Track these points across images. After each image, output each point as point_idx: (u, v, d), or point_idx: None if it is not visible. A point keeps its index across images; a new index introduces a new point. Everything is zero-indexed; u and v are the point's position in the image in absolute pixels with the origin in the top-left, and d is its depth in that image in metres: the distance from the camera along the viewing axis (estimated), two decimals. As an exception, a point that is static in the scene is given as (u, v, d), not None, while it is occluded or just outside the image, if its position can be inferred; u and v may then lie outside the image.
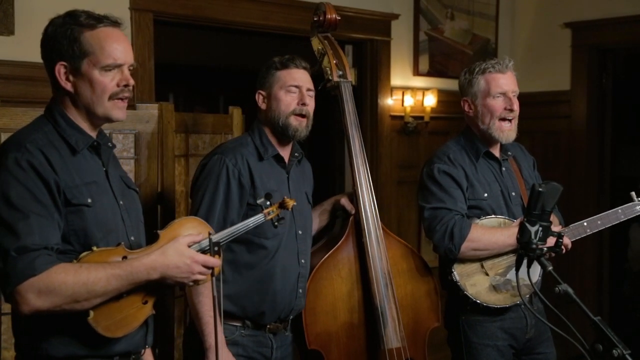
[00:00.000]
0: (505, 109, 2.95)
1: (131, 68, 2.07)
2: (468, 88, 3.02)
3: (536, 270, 2.86)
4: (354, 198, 2.92)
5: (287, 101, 2.69)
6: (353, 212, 2.91)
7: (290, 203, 2.27)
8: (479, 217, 2.92)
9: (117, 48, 2.01)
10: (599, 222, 3.02)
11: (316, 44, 3.06)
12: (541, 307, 2.95)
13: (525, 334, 2.98)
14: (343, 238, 2.88)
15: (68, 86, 2.01)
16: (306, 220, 2.82)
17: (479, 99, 2.98)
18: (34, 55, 3.41)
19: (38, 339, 1.96)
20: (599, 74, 5.60)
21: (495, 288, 2.88)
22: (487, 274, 2.89)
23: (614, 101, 5.73)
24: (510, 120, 2.96)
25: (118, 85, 2.02)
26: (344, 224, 2.95)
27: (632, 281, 5.64)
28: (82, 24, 1.99)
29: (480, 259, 2.89)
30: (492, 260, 2.90)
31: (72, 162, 2.00)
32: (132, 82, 2.05)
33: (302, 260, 2.74)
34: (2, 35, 3.41)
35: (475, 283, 2.88)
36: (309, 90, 2.73)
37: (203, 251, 2.03)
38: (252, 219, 2.21)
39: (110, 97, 2.01)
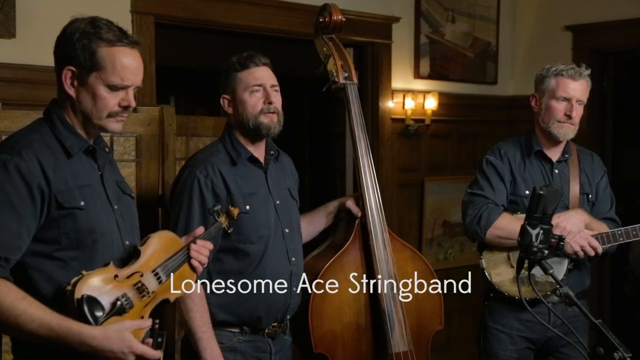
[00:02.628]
0: (565, 114, 3.02)
1: (136, 90, 2.08)
2: (539, 84, 3.11)
3: (561, 270, 2.91)
4: (360, 201, 2.90)
5: (253, 102, 2.63)
6: (359, 214, 2.89)
7: (235, 212, 2.34)
8: (516, 212, 3.00)
9: (129, 69, 2.02)
10: (633, 233, 3.00)
11: (321, 46, 3.01)
12: (576, 311, 2.94)
13: (547, 331, 2.97)
14: (349, 241, 2.86)
15: (71, 91, 2.02)
16: (292, 217, 2.77)
17: (545, 97, 3.07)
18: (35, 58, 3.44)
19: (33, 345, 1.95)
20: (600, 77, 5.59)
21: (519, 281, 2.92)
22: (512, 267, 2.95)
23: (615, 104, 5.73)
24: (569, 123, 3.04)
25: (119, 105, 2.03)
26: (349, 227, 2.93)
27: (633, 284, 5.63)
28: (101, 37, 2.00)
29: (508, 249, 2.98)
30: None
31: (67, 164, 2.00)
32: (133, 104, 2.06)
33: (293, 259, 2.70)
34: (4, 38, 3.42)
35: (500, 272, 2.99)
36: (272, 86, 2.67)
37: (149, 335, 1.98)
38: (212, 227, 2.28)
39: (109, 115, 2.03)
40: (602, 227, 3.05)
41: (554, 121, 3.02)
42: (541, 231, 1.99)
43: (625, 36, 5.30)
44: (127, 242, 2.09)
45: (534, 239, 1.99)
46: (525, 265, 2.07)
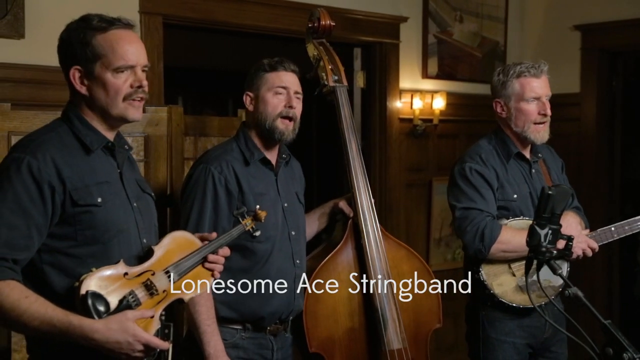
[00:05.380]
0: (539, 113, 2.99)
1: (145, 69, 2.08)
2: (501, 90, 3.04)
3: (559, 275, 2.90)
4: (352, 202, 2.93)
5: (275, 103, 2.69)
6: (351, 215, 2.93)
7: (263, 214, 2.32)
8: (507, 218, 2.95)
9: (129, 49, 2.03)
10: (626, 228, 3.04)
11: (311, 50, 3.08)
12: (561, 308, 2.96)
13: (544, 333, 2.99)
14: (342, 241, 2.90)
15: (83, 90, 2.03)
16: (298, 220, 2.82)
17: (512, 101, 3.01)
18: (44, 58, 3.45)
19: (45, 343, 1.96)
20: (609, 77, 5.57)
21: (521, 289, 2.91)
22: (514, 275, 2.93)
23: (624, 104, 5.71)
24: (543, 122, 3.00)
25: (132, 87, 2.03)
26: (342, 228, 2.97)
27: (642, 284, 5.62)
28: (94, 28, 2.02)
29: (508, 260, 2.92)
30: (520, 261, 2.92)
31: (85, 161, 2.01)
32: (145, 83, 2.07)
33: (297, 261, 2.75)
34: (13, 38, 3.43)
35: (502, 283, 2.92)
36: (296, 93, 2.73)
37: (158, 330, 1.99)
38: (234, 230, 2.27)
39: (124, 99, 2.03)
40: (582, 222, 3.08)
41: (530, 124, 2.98)
42: (550, 231, 1.99)
43: (634, 36, 5.28)
44: (144, 240, 2.10)
45: (542, 239, 1.98)
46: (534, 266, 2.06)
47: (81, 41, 2.01)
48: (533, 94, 2.98)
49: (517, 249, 2.87)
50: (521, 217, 2.96)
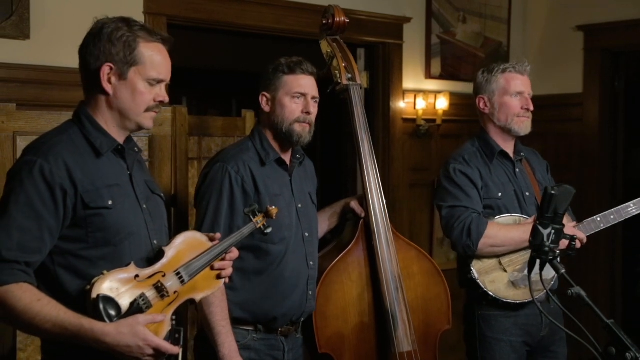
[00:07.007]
0: (522, 108, 3.03)
1: (166, 86, 2.12)
2: (486, 85, 3.08)
3: (552, 269, 2.90)
4: (363, 201, 2.92)
5: (292, 108, 2.67)
6: (363, 215, 2.91)
7: (274, 211, 2.31)
8: (493, 217, 2.96)
9: (165, 65, 2.09)
10: (611, 217, 3.06)
11: (325, 47, 3.05)
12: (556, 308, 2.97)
13: (540, 331, 3.00)
14: (353, 241, 2.88)
15: (108, 87, 2.05)
16: (312, 221, 2.81)
17: (496, 96, 3.05)
18: (50, 59, 3.47)
19: (59, 343, 1.97)
20: (612, 77, 5.57)
21: (513, 284, 2.92)
22: (505, 270, 2.93)
23: (627, 104, 5.72)
24: (526, 116, 3.05)
25: (154, 101, 2.08)
26: (353, 227, 2.95)
27: (645, 284, 5.62)
28: (139, 35, 2.05)
29: (497, 256, 2.93)
30: (510, 256, 2.93)
31: (95, 164, 2.03)
32: (167, 100, 2.13)
33: (311, 263, 2.74)
34: (18, 39, 3.44)
35: (495, 280, 2.92)
36: (314, 98, 2.72)
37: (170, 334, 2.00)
38: (245, 228, 2.26)
39: (146, 110, 2.08)
40: (567, 215, 3.07)
41: (513, 117, 3.03)
42: (553, 231, 2.00)
43: (637, 36, 5.28)
44: (155, 242, 2.11)
45: (545, 239, 1.99)
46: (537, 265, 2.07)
47: (124, 42, 2.03)
48: (517, 89, 3.03)
49: (505, 243, 2.90)
50: (508, 214, 2.98)
